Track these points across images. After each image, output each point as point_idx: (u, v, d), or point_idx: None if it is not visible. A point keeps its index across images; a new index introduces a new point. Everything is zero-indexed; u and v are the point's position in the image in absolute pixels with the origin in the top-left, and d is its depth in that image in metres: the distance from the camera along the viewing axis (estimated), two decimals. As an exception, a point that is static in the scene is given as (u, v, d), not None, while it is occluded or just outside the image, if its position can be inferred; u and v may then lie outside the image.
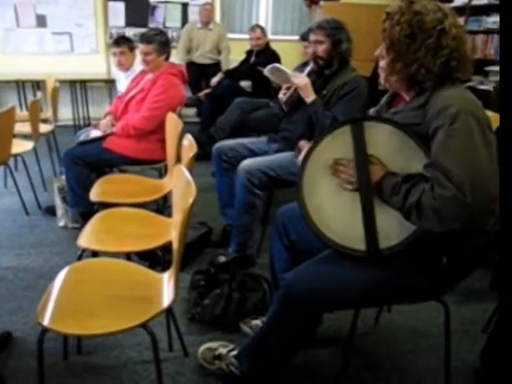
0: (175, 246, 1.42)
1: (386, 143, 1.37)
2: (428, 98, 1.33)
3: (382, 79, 1.47)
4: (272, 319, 1.51)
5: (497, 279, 2.01)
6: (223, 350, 1.75)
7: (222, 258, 2.15)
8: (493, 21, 4.76)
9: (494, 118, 3.10)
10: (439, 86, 1.33)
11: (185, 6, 5.80)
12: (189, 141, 1.96)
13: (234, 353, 1.71)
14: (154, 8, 5.70)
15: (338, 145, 1.43)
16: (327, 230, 1.43)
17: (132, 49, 3.52)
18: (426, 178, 1.25)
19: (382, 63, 1.44)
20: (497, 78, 4.68)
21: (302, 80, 2.40)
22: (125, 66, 3.52)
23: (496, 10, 4.78)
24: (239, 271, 2.12)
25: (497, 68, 4.72)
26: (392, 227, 1.36)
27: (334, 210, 1.45)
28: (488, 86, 4.70)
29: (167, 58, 2.90)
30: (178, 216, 1.51)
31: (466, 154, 1.19)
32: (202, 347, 1.81)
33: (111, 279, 1.58)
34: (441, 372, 1.67)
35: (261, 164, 2.39)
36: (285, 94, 2.51)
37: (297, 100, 2.50)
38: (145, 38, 2.80)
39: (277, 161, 2.41)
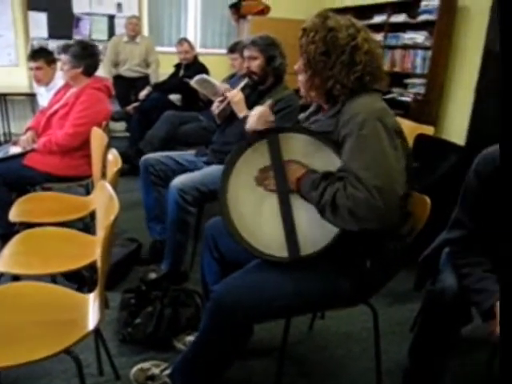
0: (99, 264, 1.37)
1: (302, 152, 1.42)
2: (341, 108, 1.39)
3: (302, 93, 1.52)
4: (203, 333, 1.49)
5: (420, 281, 2.12)
6: (156, 370, 1.70)
7: (153, 275, 2.10)
8: (409, 37, 5.06)
9: (413, 127, 3.29)
10: (351, 96, 1.39)
11: (111, 18, 5.68)
12: (113, 155, 1.91)
13: (168, 372, 1.66)
14: (79, 20, 5.53)
15: (257, 157, 1.47)
16: (252, 240, 1.45)
17: (51, 62, 3.34)
18: (341, 177, 1.29)
19: (301, 78, 1.49)
20: (415, 90, 4.97)
21: (235, 95, 2.41)
22: (43, 82, 3.33)
23: (411, 27, 5.10)
24: (171, 287, 2.07)
25: (414, 80, 5.01)
26: (314, 235, 1.39)
27: (258, 220, 1.47)
28: (407, 98, 4.98)
29: (89, 71, 2.81)
30: (101, 233, 1.46)
31: (374, 158, 1.24)
32: (134, 368, 1.75)
33: (32, 304, 1.49)
34: (373, 374, 1.72)
35: (193, 180, 2.36)
36: (218, 106, 2.51)
37: (230, 113, 2.51)
38: (62, 49, 2.74)
39: (209, 175, 2.40)
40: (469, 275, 1.45)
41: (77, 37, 5.47)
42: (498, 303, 1.37)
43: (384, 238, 1.41)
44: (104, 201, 1.49)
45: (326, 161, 1.38)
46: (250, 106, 2.43)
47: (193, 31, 6.19)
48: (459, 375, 1.91)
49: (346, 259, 1.42)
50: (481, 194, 1.47)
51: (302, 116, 1.61)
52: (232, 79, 3.31)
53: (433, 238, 1.81)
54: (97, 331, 1.71)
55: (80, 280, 2.26)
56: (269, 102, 1.67)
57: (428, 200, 1.55)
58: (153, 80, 5.17)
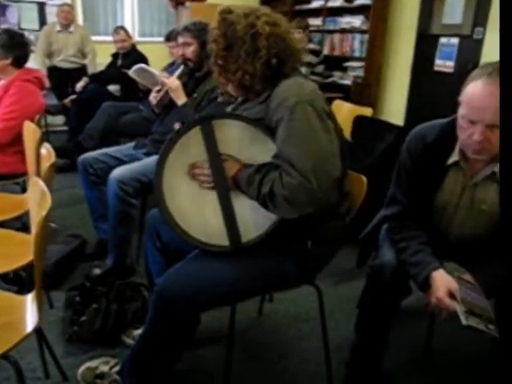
0: (35, 262, 1.31)
1: (237, 138, 1.41)
2: (269, 94, 1.39)
3: (220, 90, 1.55)
4: (149, 327, 1.47)
5: (361, 257, 2.19)
6: (104, 368, 1.67)
7: (97, 271, 2.05)
8: (346, 21, 5.16)
9: (352, 109, 3.37)
10: (276, 81, 1.38)
11: (41, 5, 5.40)
12: (47, 150, 1.83)
13: (117, 368, 1.64)
14: (5, 7, 5.22)
15: (191, 145, 1.44)
16: (191, 230, 1.43)
17: None
18: (277, 165, 1.29)
19: (215, 75, 1.50)
20: (354, 73, 5.08)
21: (172, 82, 2.37)
22: None
23: (348, 11, 5.19)
24: (117, 282, 2.03)
25: (353, 63, 5.12)
26: (254, 220, 1.40)
27: (196, 209, 1.45)
28: (347, 81, 5.09)
29: (18, 63, 2.67)
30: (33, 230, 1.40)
31: (306, 142, 1.25)
32: (82, 368, 1.71)
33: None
34: (322, 352, 1.76)
35: (132, 171, 2.31)
36: (155, 96, 2.46)
37: (168, 102, 2.47)
38: None
39: (148, 165, 2.35)
40: (405, 249, 1.51)
41: (4, 26, 5.16)
42: (432, 273, 1.44)
43: (323, 218, 1.44)
44: (36, 197, 1.43)
45: (262, 147, 1.38)
46: (189, 93, 2.40)
47: (130, 19, 6.01)
48: (401, 346, 2.00)
49: (286, 242, 1.44)
50: (412, 170, 1.53)
51: (230, 108, 1.60)
52: (171, 67, 3.25)
53: (373, 215, 1.87)
54: (39, 332, 1.65)
55: (20, 281, 2.17)
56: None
57: (364, 179, 1.59)
58: (90, 71, 4.99)
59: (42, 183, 1.41)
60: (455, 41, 4.28)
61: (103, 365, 1.69)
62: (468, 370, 1.91)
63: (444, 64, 4.40)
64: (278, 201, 1.25)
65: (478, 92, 1.30)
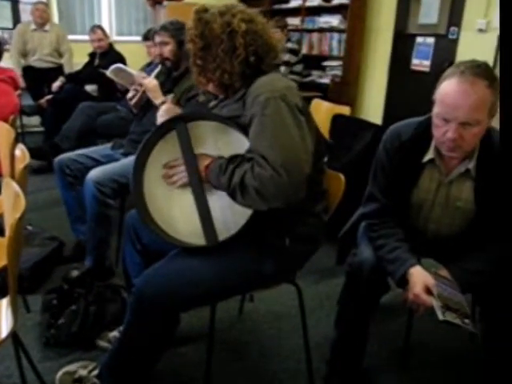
0: (8, 266, 1.28)
1: (212, 138, 1.42)
2: (246, 90, 1.38)
3: (201, 90, 1.55)
4: (127, 329, 1.45)
5: (341, 255, 2.21)
6: (83, 372, 1.65)
7: (76, 272, 2.02)
8: (324, 21, 5.18)
9: (330, 108, 3.39)
10: (253, 79, 1.38)
11: (15, 3, 5.28)
12: (21, 151, 1.80)
13: (96, 372, 1.61)
14: (-24, 6, 5.11)
15: (169, 147, 1.44)
16: (171, 230, 1.43)
17: None
18: (250, 158, 1.29)
19: (195, 75, 1.50)
20: (333, 72, 5.11)
21: (149, 82, 2.35)
22: None
23: (326, 11, 5.22)
24: (96, 283, 2.00)
25: (332, 63, 5.15)
26: (229, 218, 1.39)
27: (174, 210, 1.45)
28: (326, 80, 5.12)
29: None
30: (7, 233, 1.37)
31: (278, 137, 1.24)
32: (60, 372, 1.68)
33: None
34: (302, 350, 1.77)
35: (110, 172, 2.28)
36: (134, 96, 2.44)
37: (146, 102, 2.44)
38: None
39: (126, 166, 2.32)
40: (382, 246, 1.52)
41: (-24, 24, 5.06)
42: (409, 270, 1.46)
43: (299, 215, 1.44)
44: (10, 199, 1.40)
45: (237, 145, 1.37)
46: (166, 92, 2.38)
47: (107, 18, 5.94)
48: (381, 342, 2.02)
49: (264, 240, 1.44)
50: (389, 168, 1.55)
51: (212, 103, 1.60)
52: (149, 67, 3.22)
53: (352, 213, 1.89)
54: (15, 337, 1.62)
55: (-5, 286, 2.13)
56: (170, 96, 1.65)
57: (342, 177, 1.60)
58: (66, 70, 4.90)
59: (15, 185, 1.38)
60: (431, 40, 4.34)
61: (82, 369, 1.67)
62: (446, 364, 1.94)
63: (420, 63, 4.47)
64: (249, 191, 1.24)
65: (451, 90, 1.32)
